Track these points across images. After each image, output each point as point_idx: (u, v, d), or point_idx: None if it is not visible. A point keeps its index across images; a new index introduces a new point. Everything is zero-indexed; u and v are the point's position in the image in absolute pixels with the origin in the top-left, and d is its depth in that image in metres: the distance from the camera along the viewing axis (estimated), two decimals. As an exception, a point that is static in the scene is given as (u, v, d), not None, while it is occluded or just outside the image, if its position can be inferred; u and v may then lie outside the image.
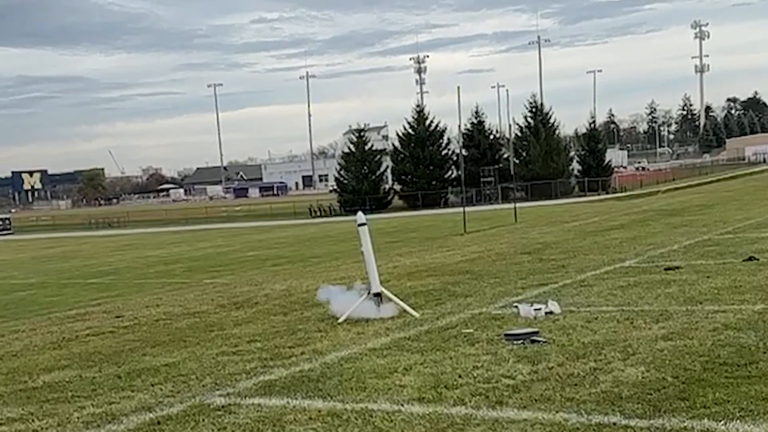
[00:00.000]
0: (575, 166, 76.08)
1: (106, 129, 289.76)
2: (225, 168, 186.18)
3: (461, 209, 36.12)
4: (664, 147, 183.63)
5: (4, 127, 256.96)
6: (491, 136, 74.45)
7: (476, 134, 72.13)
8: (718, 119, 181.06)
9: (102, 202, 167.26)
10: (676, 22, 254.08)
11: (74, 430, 7.62)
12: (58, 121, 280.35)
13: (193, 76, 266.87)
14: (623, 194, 64.54)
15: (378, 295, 12.32)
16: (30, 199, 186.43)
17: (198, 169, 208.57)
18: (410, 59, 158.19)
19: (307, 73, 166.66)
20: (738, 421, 6.42)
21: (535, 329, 10.16)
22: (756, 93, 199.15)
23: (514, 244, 24.57)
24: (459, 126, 55.07)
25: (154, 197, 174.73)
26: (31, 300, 21.47)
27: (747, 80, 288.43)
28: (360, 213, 13.38)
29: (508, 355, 9.13)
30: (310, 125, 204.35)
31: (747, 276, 13.65)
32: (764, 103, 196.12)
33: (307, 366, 9.42)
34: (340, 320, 11.92)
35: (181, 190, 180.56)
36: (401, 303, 12.18)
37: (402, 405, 7.52)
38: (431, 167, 71.17)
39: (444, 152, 72.48)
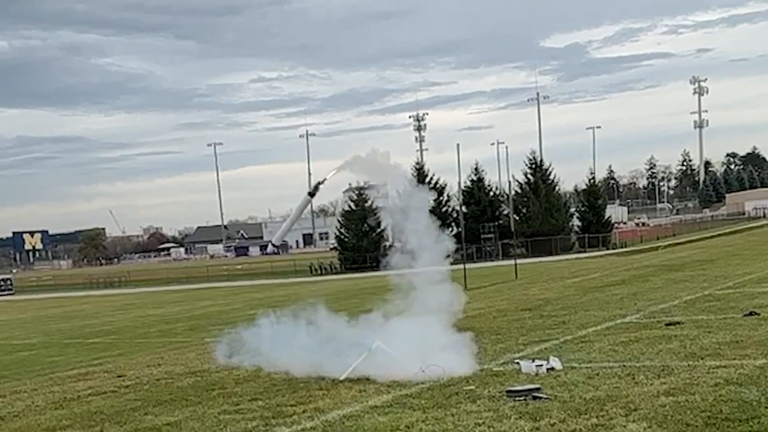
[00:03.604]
0: (575, 222, 76.19)
1: (107, 189, 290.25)
2: (225, 227, 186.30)
3: (461, 266, 36.14)
4: (663, 202, 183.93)
5: (5, 187, 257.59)
6: (491, 193, 74.73)
7: (476, 191, 72.39)
8: (718, 174, 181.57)
9: (103, 261, 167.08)
10: (675, 78, 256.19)
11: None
12: (59, 181, 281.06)
13: (192, 136, 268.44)
14: (623, 250, 64.54)
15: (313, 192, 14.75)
16: (31, 260, 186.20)
17: (199, 228, 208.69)
18: (409, 117, 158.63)
19: (307, 131, 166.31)
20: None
21: (537, 385, 10.17)
22: (755, 148, 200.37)
23: (514, 301, 24.57)
24: (459, 183, 55.43)
25: (155, 256, 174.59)
26: (32, 360, 21.41)
27: (746, 135, 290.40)
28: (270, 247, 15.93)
29: (510, 411, 9.14)
30: (310, 184, 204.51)
31: (748, 331, 13.67)
32: (763, 158, 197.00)
33: (309, 424, 9.42)
34: (341, 378, 11.90)
35: (182, 249, 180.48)
36: (401, 359, 12.12)
37: (404, 462, 7.52)
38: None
39: (444, 209, 72.66)
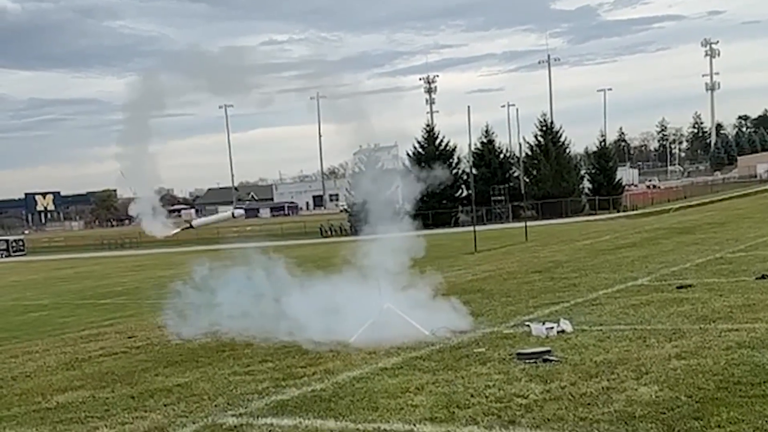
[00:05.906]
0: (586, 184, 75.92)
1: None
2: (236, 188, 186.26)
3: (472, 228, 36.08)
4: (675, 165, 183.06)
5: (18, 149, 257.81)
6: (501, 155, 74.43)
7: (486, 153, 72.12)
8: (729, 137, 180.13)
9: (114, 223, 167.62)
10: (686, 41, 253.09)
11: (87, 450, 7.64)
12: (71, 143, 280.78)
13: (204, 98, 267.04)
14: (634, 212, 64.31)
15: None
16: (43, 221, 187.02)
17: (209, 189, 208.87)
18: (420, 79, 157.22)
19: (318, 93, 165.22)
20: (752, 440, 6.40)
21: (547, 348, 10.14)
22: (766, 111, 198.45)
23: (525, 263, 24.53)
24: (469, 145, 55.16)
25: (166, 218, 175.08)
26: (44, 321, 21.53)
27: (758, 98, 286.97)
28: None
29: (521, 374, 9.12)
30: (320, 145, 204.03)
31: (760, 294, 13.60)
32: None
33: (319, 386, 9.43)
34: (351, 340, 11.90)
35: (193, 211, 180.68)
36: (412, 321, 12.13)
37: (414, 425, 7.52)
38: (441, 186, 71.19)
39: (454, 171, 72.44)
